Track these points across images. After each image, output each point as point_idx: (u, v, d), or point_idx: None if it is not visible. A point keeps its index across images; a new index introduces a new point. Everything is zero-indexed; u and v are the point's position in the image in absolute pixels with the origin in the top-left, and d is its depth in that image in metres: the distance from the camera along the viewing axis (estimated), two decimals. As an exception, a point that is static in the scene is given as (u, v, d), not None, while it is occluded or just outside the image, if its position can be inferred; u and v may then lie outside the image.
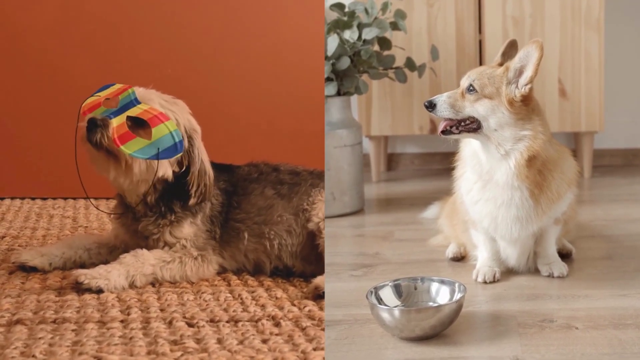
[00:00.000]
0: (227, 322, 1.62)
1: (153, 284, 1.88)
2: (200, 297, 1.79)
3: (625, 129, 3.59)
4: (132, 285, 1.83)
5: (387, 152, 3.63)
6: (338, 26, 2.69)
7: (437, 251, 2.26)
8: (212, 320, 1.62)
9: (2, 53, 3.12)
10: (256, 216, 2.04)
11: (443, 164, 3.47)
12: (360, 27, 2.70)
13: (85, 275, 1.76)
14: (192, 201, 1.94)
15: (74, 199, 3.12)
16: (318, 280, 1.86)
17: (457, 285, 1.74)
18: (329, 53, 2.64)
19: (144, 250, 1.90)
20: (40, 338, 1.45)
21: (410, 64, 2.84)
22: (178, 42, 3.24)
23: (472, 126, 1.88)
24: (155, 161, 1.86)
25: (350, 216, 2.76)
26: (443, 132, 1.90)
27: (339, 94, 2.75)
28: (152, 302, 1.72)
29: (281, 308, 1.72)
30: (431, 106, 1.89)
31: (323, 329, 1.59)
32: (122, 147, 1.82)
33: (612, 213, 2.69)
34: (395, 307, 1.72)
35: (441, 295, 1.76)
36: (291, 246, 2.03)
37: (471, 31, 3.24)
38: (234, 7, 3.28)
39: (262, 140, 3.32)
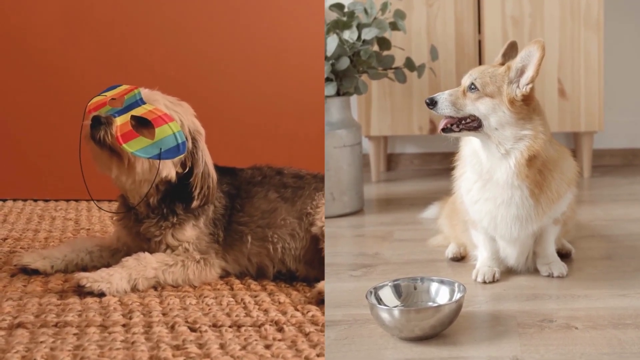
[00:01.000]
0: (230, 327, 1.61)
1: (155, 288, 1.88)
2: (202, 302, 1.78)
3: (624, 129, 3.59)
4: (134, 289, 1.83)
5: (387, 152, 3.63)
6: (337, 26, 2.69)
7: (437, 251, 2.26)
8: (214, 325, 1.61)
9: (6, 55, 3.13)
10: (260, 219, 2.03)
11: (443, 164, 3.47)
12: (360, 27, 2.70)
13: (87, 279, 1.75)
14: (194, 203, 1.93)
15: (77, 200, 3.11)
16: (321, 285, 1.85)
17: (456, 285, 1.74)
18: (329, 53, 2.64)
19: (146, 254, 1.90)
20: (41, 342, 1.44)
21: (409, 64, 2.84)
22: (180, 44, 3.24)
23: (472, 124, 1.88)
24: (158, 161, 1.86)
25: (350, 216, 2.77)
26: (443, 129, 1.90)
27: (338, 94, 2.76)
28: (155, 306, 1.72)
29: (284, 313, 1.71)
30: (432, 103, 1.89)
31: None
32: (124, 145, 1.82)
33: (612, 213, 2.69)
34: (394, 307, 1.72)
35: (441, 295, 1.76)
36: (294, 250, 2.02)
37: (470, 31, 3.24)
38: (235, 7, 3.28)
39: (262, 140, 3.32)
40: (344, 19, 2.70)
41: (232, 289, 1.92)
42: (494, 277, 1.99)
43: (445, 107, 1.88)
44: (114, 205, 2.11)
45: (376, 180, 3.39)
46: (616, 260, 2.14)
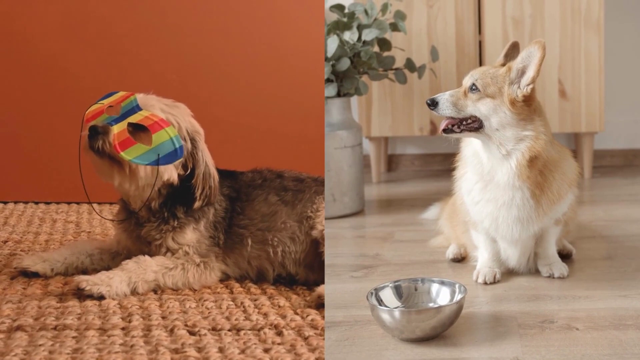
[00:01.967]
0: (229, 330, 1.60)
1: (155, 291, 1.87)
2: (202, 305, 1.78)
3: (625, 129, 3.59)
4: (134, 292, 1.82)
5: (387, 153, 3.63)
6: (338, 27, 2.69)
7: (438, 252, 2.26)
8: (213, 329, 1.61)
9: (7, 57, 3.13)
10: (260, 222, 2.02)
11: (443, 165, 3.47)
12: (360, 28, 2.70)
13: (87, 282, 1.75)
14: (197, 204, 1.93)
15: (78, 203, 3.11)
16: (321, 288, 1.84)
17: (457, 286, 1.74)
18: (329, 54, 2.64)
19: (146, 257, 1.90)
20: (40, 345, 1.44)
21: (410, 64, 2.84)
22: (180, 46, 3.25)
23: (473, 125, 1.88)
24: (164, 166, 1.86)
25: (351, 217, 2.77)
26: (444, 130, 1.90)
27: (339, 95, 2.76)
28: (154, 310, 1.71)
29: (284, 317, 1.71)
30: (433, 104, 1.89)
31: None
32: (122, 153, 1.82)
33: (613, 213, 2.69)
34: (395, 308, 1.72)
35: (441, 296, 1.76)
36: (295, 253, 2.02)
37: (471, 32, 3.24)
38: (235, 8, 3.28)
39: (263, 141, 3.32)
40: (345, 20, 2.70)
41: (232, 292, 1.92)
42: (494, 278, 1.98)
43: (446, 107, 1.88)
44: (115, 208, 2.10)
45: (377, 181, 3.39)
46: (617, 261, 2.14)
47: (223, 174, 2.07)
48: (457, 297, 1.72)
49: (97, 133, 1.83)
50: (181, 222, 1.95)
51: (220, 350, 1.48)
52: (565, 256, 2.12)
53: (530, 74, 1.84)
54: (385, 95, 3.29)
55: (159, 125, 1.85)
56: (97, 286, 1.75)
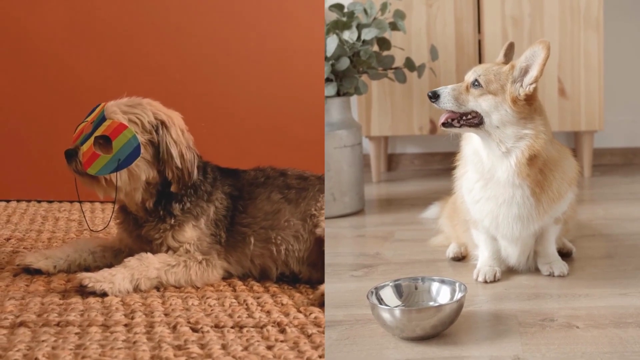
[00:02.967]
0: (232, 327, 1.60)
1: (157, 288, 1.87)
2: (205, 302, 1.78)
3: (625, 128, 3.60)
4: (136, 289, 1.83)
5: (387, 153, 3.63)
6: (337, 27, 2.69)
7: (438, 251, 2.26)
8: (216, 326, 1.61)
9: (9, 56, 3.13)
10: (263, 221, 2.02)
11: (443, 164, 3.47)
12: (360, 27, 2.70)
13: (90, 279, 1.76)
14: (173, 187, 1.94)
15: (80, 202, 3.11)
16: (324, 287, 1.84)
17: (457, 284, 1.74)
18: (329, 54, 2.64)
19: (149, 254, 1.90)
20: (43, 341, 1.44)
21: (409, 64, 2.84)
22: (181, 45, 3.25)
23: (473, 121, 1.88)
24: (136, 167, 1.90)
25: (351, 217, 2.77)
26: (444, 124, 1.90)
27: (338, 94, 2.76)
28: (157, 307, 1.71)
29: (287, 314, 1.71)
30: (435, 97, 1.89)
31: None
32: (88, 170, 1.89)
33: (613, 212, 2.69)
34: (396, 307, 1.73)
35: (442, 295, 1.76)
36: (298, 252, 2.01)
37: (470, 31, 3.25)
38: (235, 8, 3.29)
39: (263, 141, 3.31)
40: (344, 19, 2.70)
41: (234, 290, 1.91)
42: (495, 276, 1.99)
43: (447, 101, 1.88)
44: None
45: (377, 180, 3.40)
46: (617, 259, 2.14)
47: (225, 172, 2.07)
48: (458, 295, 1.72)
49: (70, 156, 1.92)
50: (179, 220, 1.95)
51: (223, 347, 1.47)
52: (565, 255, 2.12)
53: (533, 73, 1.84)
54: (385, 95, 3.29)
55: (118, 130, 1.89)
56: (100, 283, 1.76)
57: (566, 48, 3.20)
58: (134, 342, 1.47)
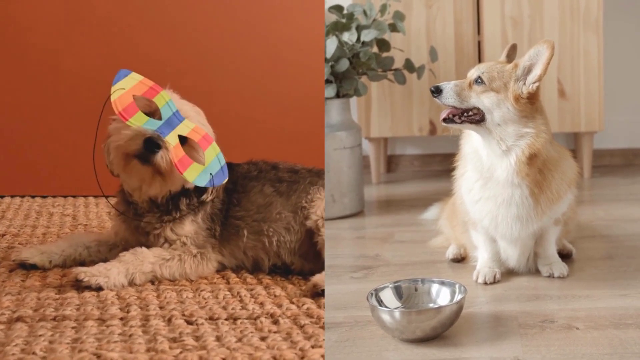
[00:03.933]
0: (226, 319, 1.62)
1: (152, 282, 1.88)
2: (199, 295, 1.79)
3: (625, 129, 3.60)
4: (131, 283, 1.83)
5: (387, 154, 3.63)
6: (337, 28, 2.68)
7: (438, 252, 2.26)
8: (211, 318, 1.62)
9: (3, 52, 3.12)
10: (255, 214, 2.04)
11: (443, 165, 3.47)
12: (359, 29, 2.70)
13: (85, 273, 1.76)
14: (207, 197, 1.96)
15: (74, 197, 3.13)
16: (317, 278, 1.86)
17: (457, 286, 1.74)
18: (328, 55, 2.64)
19: (144, 249, 1.90)
20: (40, 335, 1.45)
21: (409, 65, 2.84)
22: (181, 43, 3.25)
23: (475, 117, 1.88)
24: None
25: (350, 218, 2.76)
26: (445, 120, 1.90)
27: (338, 96, 2.75)
28: (152, 300, 1.72)
29: (280, 306, 1.72)
30: (437, 92, 1.88)
31: (322, 327, 1.58)
32: (184, 174, 1.81)
33: (613, 213, 2.68)
34: (395, 308, 1.72)
35: (442, 296, 1.76)
36: (290, 243, 2.04)
37: (470, 32, 3.24)
38: (235, 8, 3.28)
39: (262, 142, 3.32)
40: (343, 20, 2.69)
41: (228, 282, 1.93)
42: (494, 278, 1.98)
43: (450, 96, 1.88)
44: (112, 201, 2.10)
45: (376, 181, 3.39)
46: (617, 260, 2.13)
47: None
48: (457, 297, 1.71)
49: (157, 147, 1.81)
50: (182, 214, 1.96)
51: (218, 338, 1.48)
52: (565, 256, 2.12)
53: (537, 72, 1.84)
54: (385, 96, 3.28)
55: (206, 141, 1.86)
56: (95, 277, 1.76)
57: (566, 49, 3.20)
58: (130, 336, 1.47)
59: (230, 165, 2.10)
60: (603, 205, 2.81)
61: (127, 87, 1.87)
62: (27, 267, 1.94)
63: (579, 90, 3.22)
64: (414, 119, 3.29)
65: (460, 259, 2.18)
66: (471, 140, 1.95)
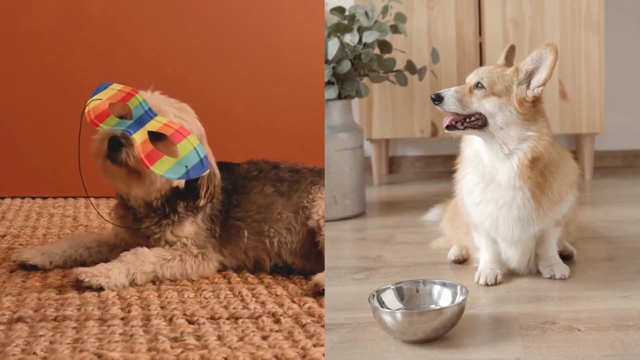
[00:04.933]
0: (227, 319, 1.62)
1: (153, 282, 1.88)
2: (200, 295, 1.80)
3: (626, 130, 3.59)
4: (132, 283, 1.83)
5: (389, 155, 3.63)
6: (338, 30, 2.69)
7: (439, 254, 2.26)
8: (212, 318, 1.62)
9: (2, 52, 3.12)
10: (256, 214, 2.03)
11: (444, 167, 3.47)
12: (361, 30, 2.70)
13: (86, 274, 1.76)
14: (202, 202, 1.93)
15: (75, 198, 3.13)
16: (318, 277, 1.86)
17: (459, 287, 1.74)
18: (330, 57, 2.64)
19: (145, 249, 1.90)
20: (41, 336, 1.45)
21: (410, 66, 2.84)
22: (179, 44, 3.24)
23: (477, 123, 1.87)
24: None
25: (352, 219, 2.76)
26: (448, 127, 1.89)
27: (339, 97, 2.75)
28: (153, 300, 1.73)
29: (281, 305, 1.73)
30: (438, 99, 1.88)
31: (323, 326, 1.58)
32: (152, 168, 1.77)
33: (614, 214, 2.68)
34: (397, 310, 1.72)
35: (443, 297, 1.76)
36: (291, 244, 2.03)
37: (471, 33, 3.24)
38: (235, 9, 3.28)
39: (263, 143, 3.31)
40: (345, 22, 2.70)
41: (229, 282, 1.93)
42: (496, 279, 1.98)
43: (451, 103, 1.87)
44: (112, 202, 2.10)
45: (378, 183, 3.39)
46: (618, 261, 2.13)
47: (219, 166, 2.05)
48: (459, 298, 1.71)
49: (120, 145, 1.79)
50: (181, 216, 1.95)
51: (219, 338, 1.48)
52: (566, 257, 2.11)
53: (542, 75, 1.83)
54: (386, 98, 3.28)
55: (180, 134, 1.80)
56: (96, 278, 1.76)
57: (567, 50, 3.20)
58: (131, 335, 1.47)
59: (230, 166, 2.11)
60: (604, 207, 2.80)
61: (105, 97, 1.86)
62: (28, 268, 1.94)
63: (580, 92, 3.22)
64: (415, 120, 3.29)
65: (462, 261, 2.17)
66: (472, 143, 1.94)
